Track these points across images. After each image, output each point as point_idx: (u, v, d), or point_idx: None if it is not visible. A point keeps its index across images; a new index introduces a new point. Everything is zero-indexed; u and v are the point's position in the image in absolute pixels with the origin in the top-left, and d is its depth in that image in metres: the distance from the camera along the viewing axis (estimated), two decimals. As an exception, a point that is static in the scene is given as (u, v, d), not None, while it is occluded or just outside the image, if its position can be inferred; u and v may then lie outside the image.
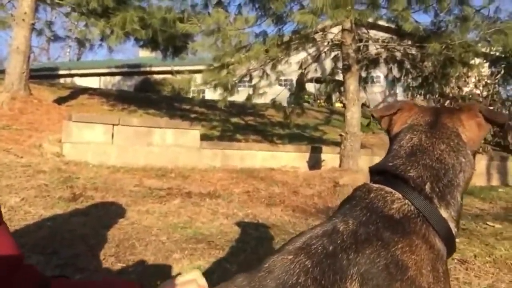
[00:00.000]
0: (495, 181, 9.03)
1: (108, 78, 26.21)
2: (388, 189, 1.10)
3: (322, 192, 5.70)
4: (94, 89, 14.93)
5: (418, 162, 1.12)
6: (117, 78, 26.49)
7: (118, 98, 12.54)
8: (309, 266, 0.97)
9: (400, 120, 1.28)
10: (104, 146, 6.45)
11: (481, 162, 9.08)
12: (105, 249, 2.96)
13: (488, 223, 4.95)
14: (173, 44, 10.95)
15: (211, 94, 13.97)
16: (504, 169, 9.39)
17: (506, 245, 3.95)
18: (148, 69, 24.62)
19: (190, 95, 21.72)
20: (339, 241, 1.00)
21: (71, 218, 3.63)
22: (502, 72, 15.35)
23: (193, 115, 11.64)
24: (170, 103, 13.61)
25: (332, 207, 5.03)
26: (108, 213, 3.80)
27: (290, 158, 7.97)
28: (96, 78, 25.23)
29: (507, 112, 13.99)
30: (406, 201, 1.07)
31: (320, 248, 1.00)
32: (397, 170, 1.12)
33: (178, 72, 21.61)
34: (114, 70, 25.83)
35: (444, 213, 1.07)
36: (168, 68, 22.20)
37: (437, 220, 1.05)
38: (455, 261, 3.27)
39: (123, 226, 3.52)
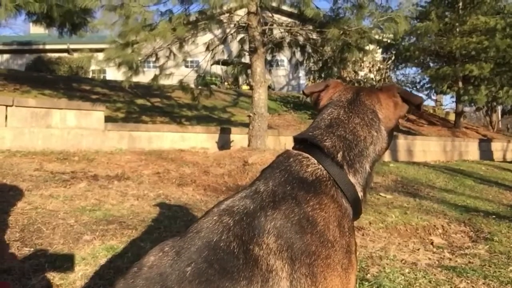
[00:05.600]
0: (387, 157, 9.92)
1: (-6, 56, 23.75)
2: (305, 155, 1.24)
3: (232, 171, 5.82)
4: (-21, 68, 13.48)
5: (334, 133, 1.26)
6: (6, 56, 24.06)
7: (9, 78, 11.48)
8: (231, 224, 1.07)
9: (326, 96, 1.43)
10: (-4, 129, 5.93)
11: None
12: (9, 234, 2.78)
13: (381, 194, 5.49)
14: (71, 20, 10.21)
15: (113, 74, 13.27)
16: (394, 147, 10.36)
17: (396, 213, 4.44)
18: (41, 47, 22.58)
19: (90, 75, 20.41)
20: (259, 200, 1.12)
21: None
22: (393, 58, 16.78)
23: (94, 96, 11.05)
24: (68, 83, 12.77)
25: (242, 185, 5.17)
26: (7, 198, 3.54)
27: (199, 139, 7.99)
28: (-20, 56, 22.77)
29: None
30: (320, 166, 1.20)
31: (241, 208, 1.11)
32: (315, 139, 1.25)
33: (75, 50, 20.13)
34: (1, 47, 23.39)
35: (352, 179, 1.22)
36: (64, 46, 20.66)
37: (345, 184, 1.20)
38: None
39: (26, 211, 3.32)
